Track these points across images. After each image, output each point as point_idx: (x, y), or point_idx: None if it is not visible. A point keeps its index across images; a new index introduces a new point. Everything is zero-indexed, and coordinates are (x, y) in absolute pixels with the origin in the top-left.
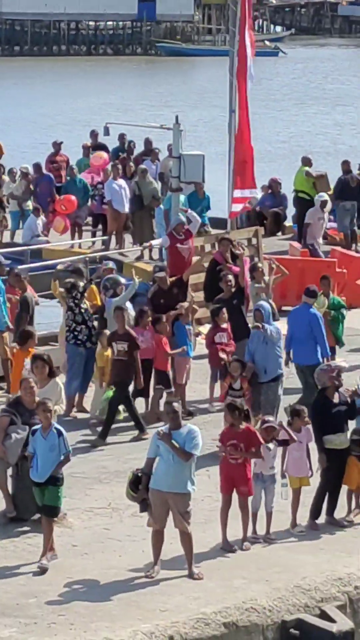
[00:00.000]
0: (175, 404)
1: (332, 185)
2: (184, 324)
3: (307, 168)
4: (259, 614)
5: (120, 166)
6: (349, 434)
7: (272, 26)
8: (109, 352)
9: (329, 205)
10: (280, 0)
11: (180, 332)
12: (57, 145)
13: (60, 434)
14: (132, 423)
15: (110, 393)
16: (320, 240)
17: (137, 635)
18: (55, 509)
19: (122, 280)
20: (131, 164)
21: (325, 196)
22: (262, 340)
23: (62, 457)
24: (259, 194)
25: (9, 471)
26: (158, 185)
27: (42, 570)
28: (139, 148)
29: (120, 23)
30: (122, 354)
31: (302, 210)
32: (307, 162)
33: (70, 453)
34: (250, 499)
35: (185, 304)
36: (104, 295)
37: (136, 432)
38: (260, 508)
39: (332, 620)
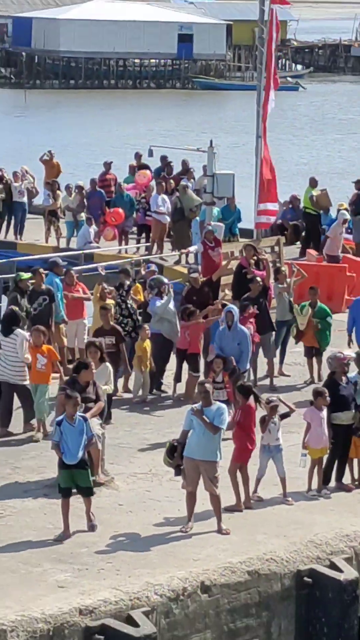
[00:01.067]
0: (207, 385)
1: (345, 201)
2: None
3: (312, 190)
4: (277, 564)
5: (163, 183)
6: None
7: (293, 65)
8: (147, 343)
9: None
10: (300, 42)
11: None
12: (107, 165)
13: (85, 419)
14: (170, 401)
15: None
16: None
17: (173, 580)
18: (90, 489)
19: (165, 280)
20: (171, 181)
21: (346, 214)
22: (229, 337)
23: (86, 441)
24: (279, 207)
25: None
26: (198, 198)
27: (93, 528)
28: (177, 168)
29: (162, 61)
30: (110, 346)
31: (309, 222)
32: (313, 183)
33: (94, 436)
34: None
35: (218, 302)
36: (149, 293)
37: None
38: (274, 475)
39: (340, 571)
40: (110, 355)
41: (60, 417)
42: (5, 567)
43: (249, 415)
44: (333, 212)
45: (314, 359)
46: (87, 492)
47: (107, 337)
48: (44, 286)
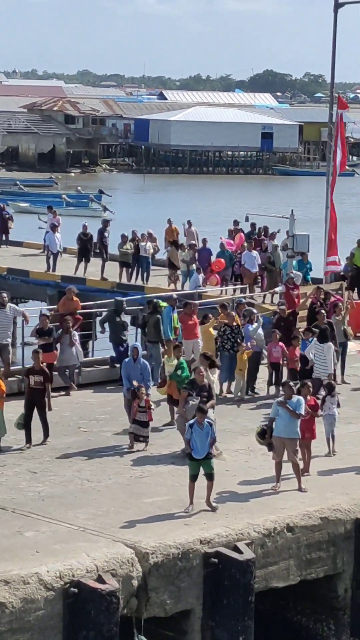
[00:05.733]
0: (291, 383)
1: None
2: (306, 340)
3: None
4: (341, 513)
5: (253, 242)
6: None
7: (350, 156)
8: (245, 356)
9: None
10: (356, 139)
11: (303, 345)
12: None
13: (210, 425)
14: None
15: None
16: None
17: (266, 522)
18: (212, 474)
19: (254, 311)
20: (267, 241)
21: None
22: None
23: (210, 440)
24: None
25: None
26: (283, 256)
27: (214, 510)
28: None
29: (249, 153)
30: (38, 384)
31: (356, 274)
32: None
33: (215, 438)
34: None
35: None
36: (243, 320)
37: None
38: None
39: None
40: (38, 391)
41: (192, 421)
42: (146, 511)
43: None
44: None
45: None
46: (209, 477)
47: (36, 376)
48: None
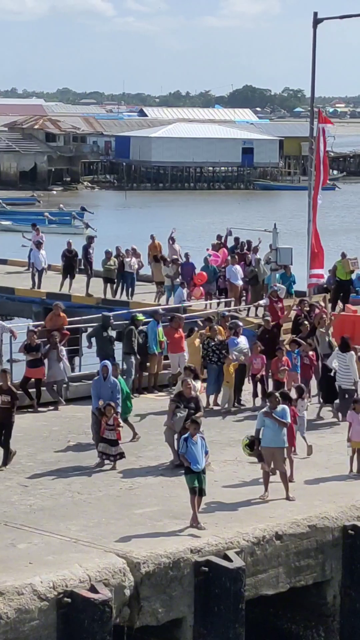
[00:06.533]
0: (277, 394)
1: None
2: (292, 351)
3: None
4: (329, 521)
5: (237, 257)
6: None
7: (331, 170)
8: (231, 368)
9: None
10: (336, 153)
11: (289, 356)
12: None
13: (203, 438)
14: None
15: None
16: None
17: (255, 530)
18: (205, 490)
19: (240, 323)
20: (250, 255)
21: None
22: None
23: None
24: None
25: (175, 436)
26: (267, 270)
27: (199, 528)
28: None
29: (230, 168)
30: (6, 403)
31: (337, 286)
32: (343, 255)
33: (209, 451)
34: None
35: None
36: (228, 333)
37: None
38: (328, 460)
39: None
40: (4, 411)
41: (186, 435)
42: (136, 522)
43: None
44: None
45: None
46: (203, 492)
47: (4, 395)
48: (142, 327)
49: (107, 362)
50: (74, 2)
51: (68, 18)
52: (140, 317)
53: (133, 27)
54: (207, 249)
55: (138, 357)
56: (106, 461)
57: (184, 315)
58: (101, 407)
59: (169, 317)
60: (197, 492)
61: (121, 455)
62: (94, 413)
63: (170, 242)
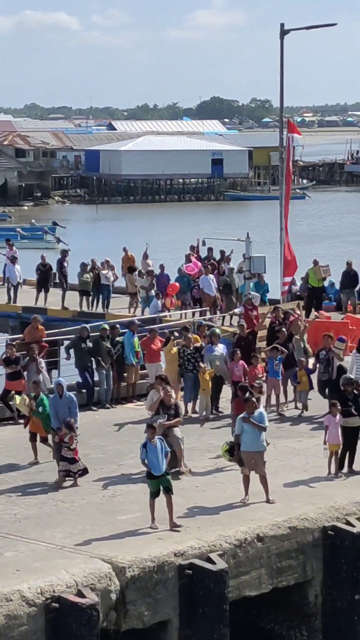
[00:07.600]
0: (253, 399)
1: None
2: (274, 358)
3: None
4: (309, 522)
5: (210, 267)
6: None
7: (300, 179)
8: (207, 376)
9: None
10: (305, 162)
11: (270, 363)
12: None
13: (162, 440)
14: (226, 419)
15: None
16: None
17: (237, 533)
18: (171, 487)
19: (217, 331)
20: (223, 264)
21: None
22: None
23: (165, 455)
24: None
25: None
26: (240, 278)
27: (176, 529)
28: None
29: (200, 179)
30: None
31: (310, 293)
32: (315, 263)
33: (169, 452)
34: None
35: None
36: (205, 341)
37: None
38: (305, 464)
39: (353, 526)
40: None
41: (144, 441)
42: (120, 527)
43: None
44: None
45: None
46: (167, 490)
47: None
48: (119, 338)
49: (61, 380)
50: (40, 17)
51: (34, 33)
52: (105, 326)
53: (99, 41)
54: (185, 266)
55: (105, 366)
56: (67, 478)
57: (157, 327)
58: (59, 427)
59: (148, 330)
60: (165, 492)
61: (84, 471)
62: (53, 429)
63: (144, 259)
